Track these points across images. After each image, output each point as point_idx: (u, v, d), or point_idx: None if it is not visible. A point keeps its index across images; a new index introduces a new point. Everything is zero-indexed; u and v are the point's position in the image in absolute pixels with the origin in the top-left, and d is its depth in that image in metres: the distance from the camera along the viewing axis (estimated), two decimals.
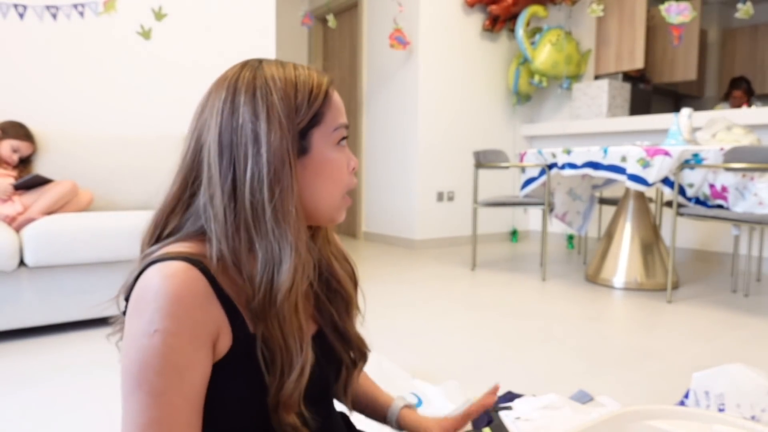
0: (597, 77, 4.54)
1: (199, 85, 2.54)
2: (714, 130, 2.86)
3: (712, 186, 2.65)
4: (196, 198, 0.62)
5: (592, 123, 4.32)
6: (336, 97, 0.66)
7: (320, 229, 0.73)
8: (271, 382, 0.60)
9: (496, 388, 0.91)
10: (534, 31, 4.60)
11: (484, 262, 3.72)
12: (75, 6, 2.72)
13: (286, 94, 0.61)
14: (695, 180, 2.69)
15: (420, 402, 1.43)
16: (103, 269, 2.14)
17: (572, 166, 3.05)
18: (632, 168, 2.70)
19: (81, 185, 2.36)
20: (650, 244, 3.01)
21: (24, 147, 2.32)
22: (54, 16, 2.67)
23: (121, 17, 2.84)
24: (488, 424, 1.29)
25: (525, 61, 4.58)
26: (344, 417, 0.83)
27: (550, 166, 3.18)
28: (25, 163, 2.37)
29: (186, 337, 0.54)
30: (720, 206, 2.65)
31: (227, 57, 3.05)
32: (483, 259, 3.86)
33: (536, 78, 4.57)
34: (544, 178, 3.24)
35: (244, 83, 0.61)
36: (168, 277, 0.54)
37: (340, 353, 0.74)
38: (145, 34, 2.92)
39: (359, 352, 0.77)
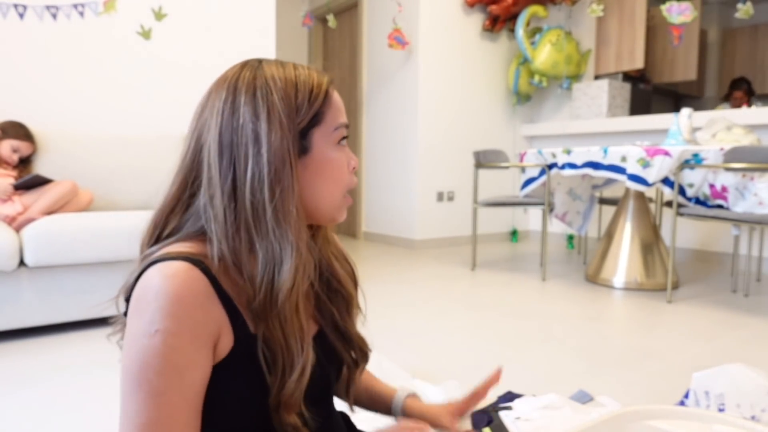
0: (597, 77, 4.54)
1: (199, 85, 2.53)
2: (714, 130, 2.86)
3: (712, 186, 2.65)
4: (196, 198, 0.62)
5: (592, 123, 4.32)
6: (336, 96, 0.66)
7: (320, 228, 0.73)
8: (272, 382, 0.60)
9: (499, 371, 0.90)
10: (534, 31, 4.60)
11: (484, 262, 3.72)
12: (75, 6, 2.72)
13: (287, 94, 0.61)
14: (695, 180, 2.69)
15: None
16: (103, 269, 2.14)
17: (572, 166, 3.05)
18: (632, 168, 2.70)
19: (81, 185, 2.36)
20: (650, 244, 3.01)
21: (24, 147, 2.32)
22: (54, 16, 2.67)
23: (121, 17, 2.85)
24: (488, 424, 1.29)
25: (525, 61, 4.58)
26: (344, 417, 0.83)
27: (550, 166, 3.18)
28: (25, 163, 2.37)
29: (187, 338, 0.54)
30: (720, 206, 2.65)
31: (227, 57, 3.05)
32: (483, 259, 3.86)
33: (536, 78, 4.57)
34: (544, 178, 3.24)
35: (245, 83, 0.61)
36: (169, 276, 0.54)
37: (341, 353, 0.74)
38: (145, 34, 2.92)
39: (360, 352, 0.77)
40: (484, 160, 3.47)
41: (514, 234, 4.91)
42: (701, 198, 2.73)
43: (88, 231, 2.08)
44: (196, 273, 0.56)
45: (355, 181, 0.70)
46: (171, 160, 0.66)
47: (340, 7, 4.99)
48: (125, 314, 0.58)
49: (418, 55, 4.27)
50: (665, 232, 3.39)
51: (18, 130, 2.32)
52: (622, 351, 1.96)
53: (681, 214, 2.62)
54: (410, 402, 0.88)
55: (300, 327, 0.61)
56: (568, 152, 3.06)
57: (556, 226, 4.67)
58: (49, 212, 2.17)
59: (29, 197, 2.20)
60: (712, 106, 5.26)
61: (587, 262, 3.56)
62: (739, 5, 3.71)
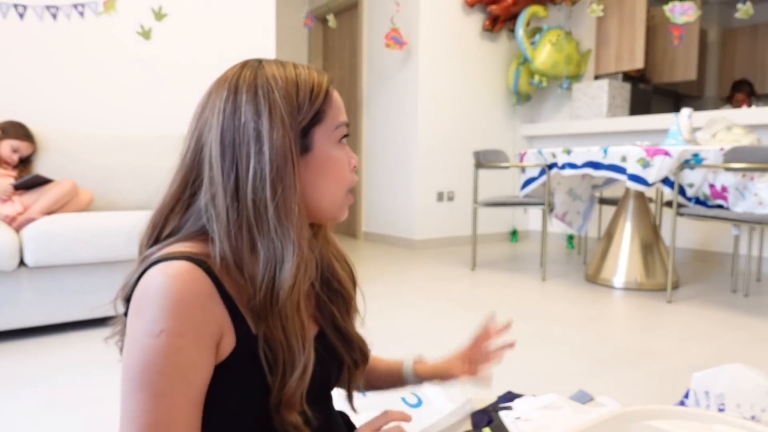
0: (597, 77, 4.54)
1: (199, 85, 2.53)
2: (714, 130, 2.86)
3: (712, 186, 2.65)
4: (197, 198, 0.62)
5: (592, 123, 4.32)
6: (336, 95, 0.66)
7: (320, 229, 0.73)
8: (273, 382, 0.59)
9: (492, 316, 0.95)
10: (534, 31, 4.60)
11: (484, 262, 3.72)
12: (75, 6, 2.72)
13: (288, 93, 0.61)
14: (695, 180, 2.69)
15: (420, 402, 1.43)
16: (103, 269, 2.14)
17: (572, 166, 3.05)
18: (632, 168, 2.70)
19: (81, 185, 2.36)
20: (650, 244, 3.01)
21: (24, 147, 2.32)
22: (54, 16, 2.67)
23: (121, 17, 2.84)
24: (488, 424, 1.29)
25: (525, 61, 4.58)
26: (344, 416, 0.83)
27: (550, 166, 3.18)
28: (25, 163, 2.37)
29: (190, 338, 0.54)
30: (720, 206, 2.65)
31: (227, 57, 3.05)
32: (483, 259, 3.86)
33: (536, 78, 4.57)
34: (544, 178, 3.24)
35: (246, 82, 0.61)
36: (171, 276, 0.54)
37: (341, 354, 0.74)
38: (145, 34, 2.92)
39: (360, 352, 0.77)
40: (484, 160, 3.47)
41: (514, 234, 4.91)
42: (701, 198, 2.73)
43: (88, 231, 2.08)
44: (198, 273, 0.55)
45: (356, 180, 0.70)
46: (171, 160, 0.66)
47: (340, 7, 4.99)
48: (125, 315, 0.58)
49: (418, 55, 4.27)
50: (665, 232, 3.39)
51: (18, 130, 2.32)
52: (622, 351, 1.96)
53: (681, 214, 2.62)
54: (420, 367, 0.91)
55: (301, 326, 0.61)
56: (568, 152, 3.06)
57: (556, 226, 4.67)
58: (49, 212, 2.17)
59: (29, 197, 2.20)
60: (712, 106, 5.26)
61: (587, 262, 3.56)
62: (739, 5, 3.71)
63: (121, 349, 0.63)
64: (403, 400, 1.38)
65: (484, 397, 1.43)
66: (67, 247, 2.03)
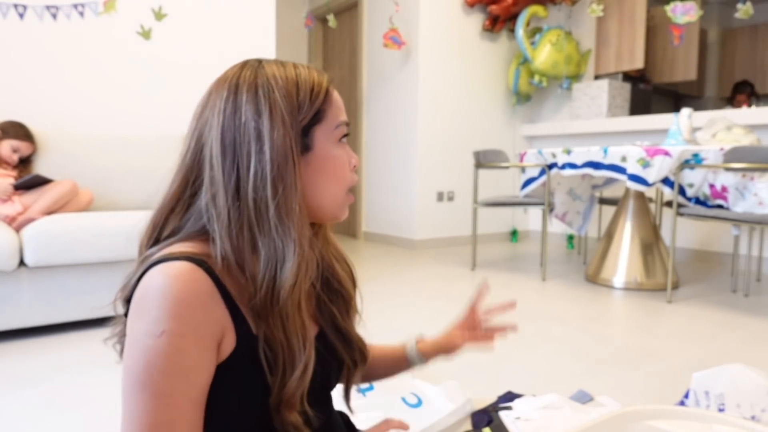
0: (597, 77, 4.54)
1: (199, 85, 2.54)
2: (714, 130, 2.86)
3: (712, 186, 2.65)
4: (197, 198, 0.62)
5: (592, 123, 4.32)
6: (336, 95, 0.66)
7: (320, 228, 0.73)
8: (273, 381, 0.59)
9: (485, 286, 0.98)
10: (534, 31, 4.60)
11: (484, 262, 3.72)
12: (75, 6, 2.72)
13: (288, 92, 0.61)
14: (695, 180, 2.69)
15: (420, 402, 1.43)
16: (103, 269, 2.14)
17: (572, 166, 3.05)
18: (632, 168, 2.70)
19: (81, 185, 2.36)
20: (650, 244, 3.01)
21: (24, 147, 2.32)
22: (54, 16, 2.67)
23: (121, 17, 2.84)
24: (488, 424, 1.29)
25: (525, 61, 4.58)
26: (343, 416, 0.83)
27: (550, 166, 3.18)
28: (25, 163, 2.37)
29: (192, 339, 0.53)
30: (720, 206, 2.65)
31: (227, 57, 3.05)
32: (483, 259, 3.86)
33: (536, 78, 4.57)
34: (544, 178, 3.24)
35: (246, 82, 0.61)
36: (173, 277, 0.54)
37: (341, 354, 0.74)
38: (145, 34, 2.92)
39: (360, 353, 0.77)
40: (484, 160, 3.47)
41: (514, 234, 4.91)
42: (701, 198, 2.73)
43: (88, 231, 2.08)
44: (199, 273, 0.55)
45: (356, 179, 0.70)
46: (171, 160, 0.66)
47: (340, 7, 4.99)
48: (125, 315, 0.58)
49: (418, 55, 4.27)
50: (665, 232, 3.39)
51: (18, 130, 2.32)
52: (622, 351, 1.96)
53: (681, 214, 2.62)
54: (423, 346, 0.92)
55: (302, 325, 0.61)
56: (568, 152, 3.06)
57: (556, 226, 4.67)
58: (49, 212, 2.17)
59: (29, 197, 2.20)
60: (712, 106, 5.26)
61: (587, 262, 3.56)
62: (739, 5, 3.71)
63: (119, 351, 0.63)
64: (403, 400, 1.38)
65: (484, 397, 1.43)
66: (67, 247, 2.03)
